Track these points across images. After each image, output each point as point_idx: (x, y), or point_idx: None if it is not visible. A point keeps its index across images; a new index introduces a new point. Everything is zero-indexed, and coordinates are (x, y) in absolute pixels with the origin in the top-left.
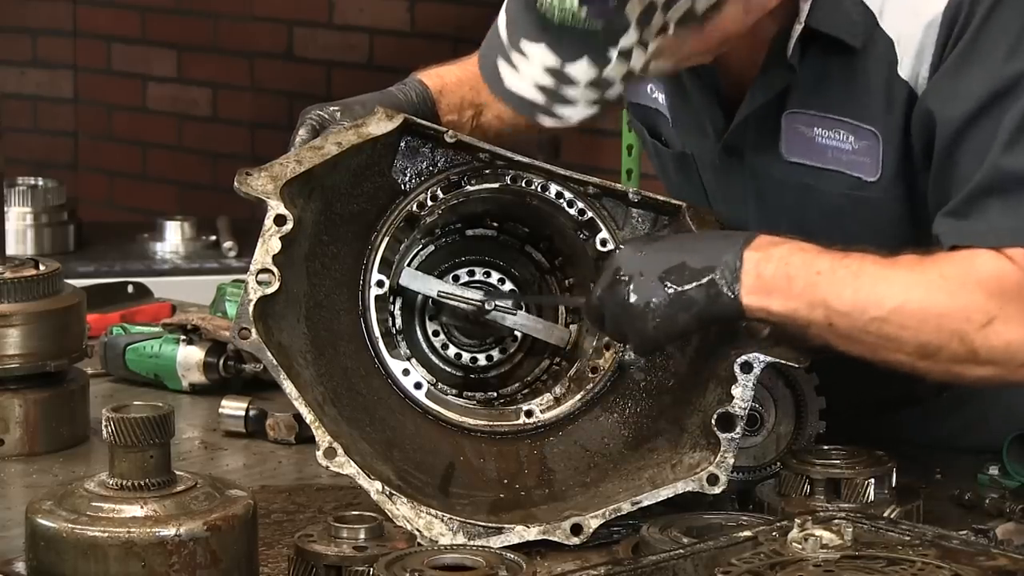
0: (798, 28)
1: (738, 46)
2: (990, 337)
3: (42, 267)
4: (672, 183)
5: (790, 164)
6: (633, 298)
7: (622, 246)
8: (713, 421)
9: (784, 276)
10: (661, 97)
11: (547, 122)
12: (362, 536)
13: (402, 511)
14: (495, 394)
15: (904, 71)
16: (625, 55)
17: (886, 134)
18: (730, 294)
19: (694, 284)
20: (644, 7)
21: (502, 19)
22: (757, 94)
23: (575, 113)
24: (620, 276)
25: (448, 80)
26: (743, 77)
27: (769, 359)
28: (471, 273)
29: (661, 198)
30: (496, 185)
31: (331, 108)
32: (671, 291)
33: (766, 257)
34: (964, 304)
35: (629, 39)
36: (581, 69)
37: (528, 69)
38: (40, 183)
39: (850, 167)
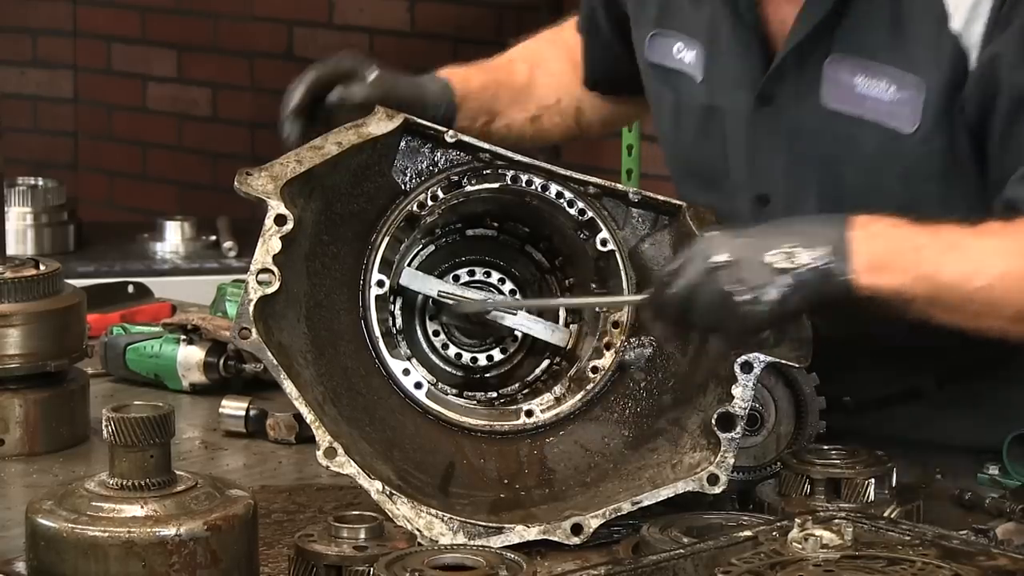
0: None
1: None
2: None
3: (42, 267)
4: (683, 143)
5: (828, 113)
6: (738, 284)
7: (707, 234)
8: (713, 421)
9: (890, 253)
10: (688, 56)
11: None
12: (362, 536)
13: (402, 511)
14: (495, 394)
15: (955, 25)
16: None
17: (930, 85)
18: (842, 275)
19: (805, 267)
20: None
21: None
22: (799, 28)
23: None
24: (716, 263)
25: (472, 86)
26: (784, 24)
27: (769, 359)
28: (471, 273)
29: (661, 198)
30: (496, 185)
31: (368, 72)
32: (781, 275)
33: (870, 235)
34: None
35: None
36: None
37: None
38: (40, 183)
39: (888, 118)
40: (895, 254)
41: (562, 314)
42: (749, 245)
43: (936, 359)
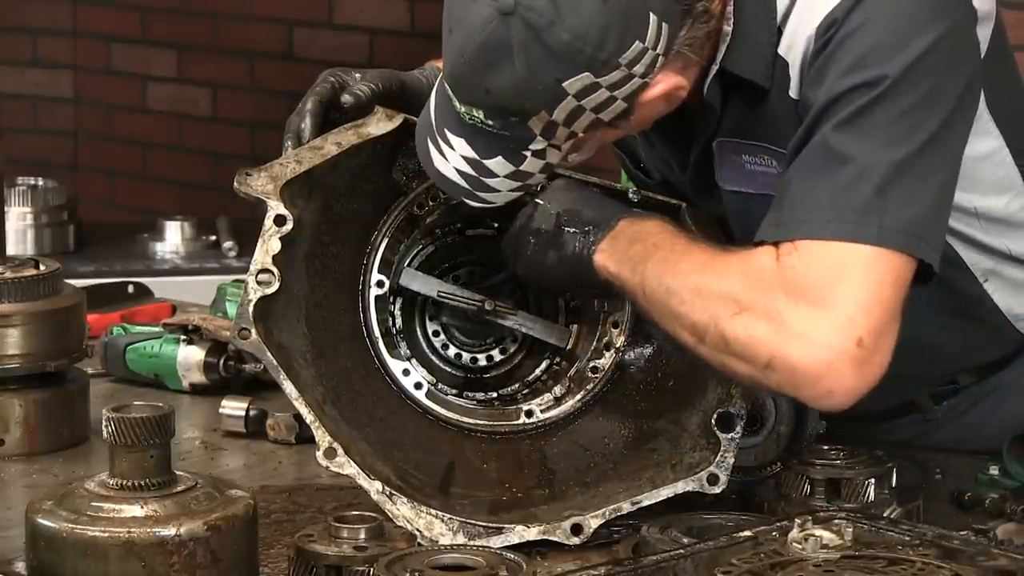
0: (713, 69)
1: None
2: (737, 327)
3: (42, 267)
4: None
5: (728, 192)
6: (532, 221)
7: (561, 180)
8: (713, 421)
9: (629, 241)
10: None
11: (473, 204)
12: (362, 536)
13: (402, 511)
14: (495, 394)
15: (792, 91)
16: (539, 154)
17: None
18: (587, 247)
19: (575, 230)
20: (545, 124)
21: (432, 101)
22: (700, 136)
23: (498, 198)
24: (538, 200)
25: None
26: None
27: None
28: (471, 273)
29: (661, 198)
30: None
31: (355, 73)
32: (557, 228)
33: (632, 224)
34: (726, 289)
35: (539, 144)
36: (498, 165)
37: (452, 156)
38: (40, 183)
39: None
40: (631, 243)
41: (562, 313)
42: (562, 197)
43: (928, 382)
